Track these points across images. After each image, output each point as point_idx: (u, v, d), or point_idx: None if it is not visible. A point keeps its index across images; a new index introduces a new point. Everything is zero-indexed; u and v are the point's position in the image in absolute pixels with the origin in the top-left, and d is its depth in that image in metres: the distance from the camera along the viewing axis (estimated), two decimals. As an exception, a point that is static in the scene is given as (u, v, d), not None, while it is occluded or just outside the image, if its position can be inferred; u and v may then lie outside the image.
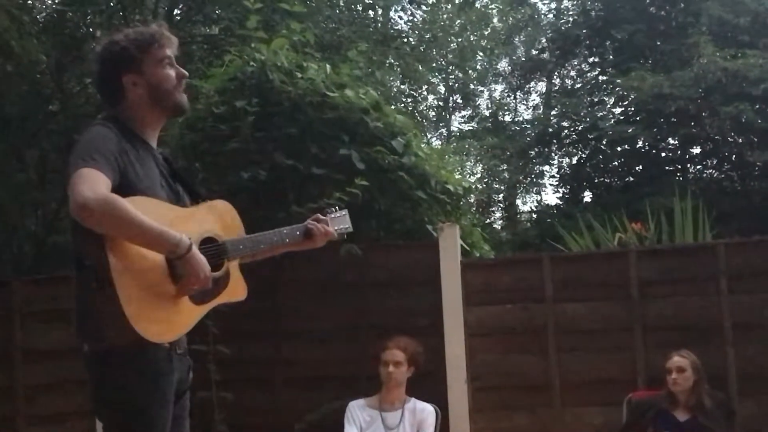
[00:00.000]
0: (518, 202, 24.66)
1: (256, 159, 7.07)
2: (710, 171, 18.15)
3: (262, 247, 3.44)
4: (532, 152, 20.91)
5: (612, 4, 19.23)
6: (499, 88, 26.27)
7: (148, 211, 2.97)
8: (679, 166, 18.16)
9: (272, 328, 7.17)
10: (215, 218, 3.32)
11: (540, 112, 23.68)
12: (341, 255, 6.82)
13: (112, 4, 12.62)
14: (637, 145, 17.95)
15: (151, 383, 3.05)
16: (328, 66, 7.68)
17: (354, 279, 7.14)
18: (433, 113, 25.89)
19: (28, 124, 11.58)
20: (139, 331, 2.89)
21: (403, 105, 18.59)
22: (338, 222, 3.85)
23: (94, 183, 2.90)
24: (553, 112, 20.99)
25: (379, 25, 16.44)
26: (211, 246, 3.19)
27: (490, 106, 26.30)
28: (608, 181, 19.13)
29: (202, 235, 3.18)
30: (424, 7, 18.48)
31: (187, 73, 3.35)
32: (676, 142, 17.89)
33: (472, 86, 25.56)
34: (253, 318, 6.66)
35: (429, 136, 23.79)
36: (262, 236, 3.44)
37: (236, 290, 3.33)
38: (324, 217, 3.75)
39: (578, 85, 21.66)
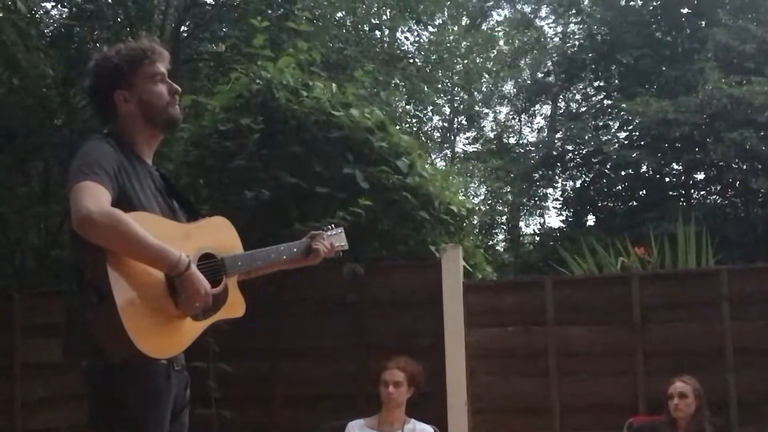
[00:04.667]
0: (521, 224, 24.65)
1: (260, 176, 7.07)
2: (714, 197, 18.15)
3: (259, 264, 3.45)
4: (536, 175, 20.88)
5: (618, 28, 19.26)
6: (504, 110, 26.33)
7: (148, 226, 2.96)
8: (683, 192, 18.14)
9: (272, 347, 7.15)
10: (213, 234, 3.31)
11: (545, 135, 23.70)
12: (343, 274, 6.82)
13: (119, 19, 12.65)
14: (641, 170, 17.95)
15: (148, 399, 3.04)
16: (333, 85, 7.70)
17: (355, 298, 7.13)
18: (438, 134, 25.96)
19: (33, 138, 11.58)
20: (139, 347, 2.88)
21: (408, 125, 18.61)
22: (334, 240, 3.86)
23: (97, 196, 2.90)
24: (558, 136, 21.01)
25: (386, 45, 16.49)
26: (209, 262, 3.18)
27: (494, 128, 26.32)
28: (612, 205, 19.12)
29: (200, 251, 3.17)
30: (430, 29, 18.54)
31: (179, 89, 3.33)
32: (680, 167, 17.88)
33: (477, 108, 25.57)
34: (254, 336, 6.65)
35: (433, 156, 23.83)
36: (259, 253, 3.44)
37: (234, 307, 3.31)
38: (321, 236, 3.75)
39: (583, 109, 21.67)
